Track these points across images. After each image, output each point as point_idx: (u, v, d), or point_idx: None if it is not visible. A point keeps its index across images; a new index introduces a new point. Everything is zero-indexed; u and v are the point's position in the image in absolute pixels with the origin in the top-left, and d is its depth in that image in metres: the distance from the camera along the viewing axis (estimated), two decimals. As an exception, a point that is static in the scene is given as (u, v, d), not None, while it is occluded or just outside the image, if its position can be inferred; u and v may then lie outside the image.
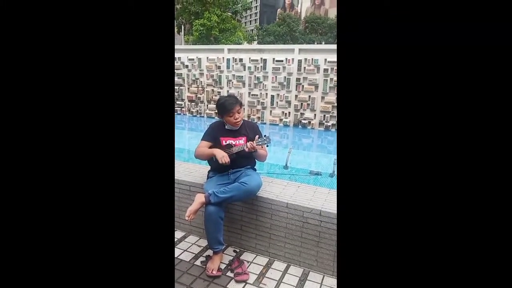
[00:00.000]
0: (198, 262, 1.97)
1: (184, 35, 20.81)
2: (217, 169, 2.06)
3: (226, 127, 2.05)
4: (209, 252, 1.95)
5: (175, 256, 2.03)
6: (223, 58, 6.96)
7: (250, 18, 60.31)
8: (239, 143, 2.00)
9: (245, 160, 2.00)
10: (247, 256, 2.06)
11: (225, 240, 2.02)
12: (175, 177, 2.26)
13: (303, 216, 1.90)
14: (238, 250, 2.12)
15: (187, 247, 2.14)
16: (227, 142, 2.02)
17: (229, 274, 1.87)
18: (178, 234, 2.30)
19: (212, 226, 1.84)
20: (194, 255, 2.06)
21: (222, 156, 1.91)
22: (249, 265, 1.97)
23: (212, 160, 2.08)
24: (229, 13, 17.78)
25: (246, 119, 2.13)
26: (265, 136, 1.96)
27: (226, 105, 1.96)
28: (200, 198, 1.84)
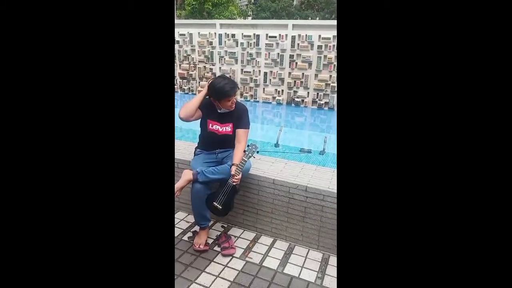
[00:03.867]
0: (185, 238, 2.01)
1: (176, 10, 20.12)
2: (204, 146, 2.05)
3: (219, 111, 1.92)
4: (197, 227, 1.97)
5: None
6: (215, 33, 6.76)
7: (245, -8, 58.23)
8: (226, 130, 1.96)
9: (233, 143, 1.98)
10: (235, 231, 2.10)
11: (212, 216, 2.05)
12: (163, 154, 2.25)
13: (289, 192, 1.92)
14: (226, 226, 2.16)
15: (175, 223, 2.17)
16: (213, 127, 1.96)
17: (216, 248, 1.91)
18: (166, 210, 2.32)
19: (198, 203, 1.85)
20: (182, 230, 2.09)
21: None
22: (236, 239, 2.01)
23: (201, 136, 2.06)
24: None
25: (239, 97, 2.02)
26: (249, 146, 1.88)
27: (226, 90, 1.81)
28: (187, 175, 1.83)
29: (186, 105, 1.90)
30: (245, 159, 1.81)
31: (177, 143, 2.53)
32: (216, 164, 1.94)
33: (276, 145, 3.83)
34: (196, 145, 2.12)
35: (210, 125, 1.97)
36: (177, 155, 2.24)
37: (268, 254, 1.89)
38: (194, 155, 2.09)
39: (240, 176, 1.79)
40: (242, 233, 2.09)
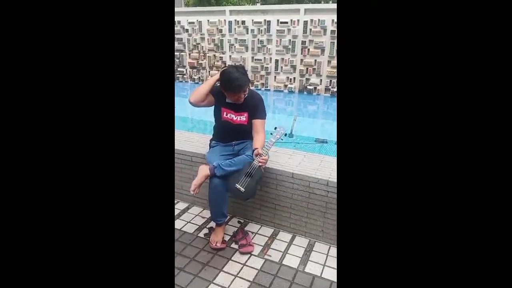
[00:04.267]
0: (201, 234, 1.94)
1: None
2: (220, 137, 1.95)
3: (227, 100, 1.84)
4: (213, 223, 1.90)
5: (179, 228, 1.99)
6: (225, 20, 6.58)
7: (253, -23, 57.05)
8: (241, 119, 1.85)
9: (249, 134, 1.88)
10: (252, 227, 2.02)
11: (229, 211, 1.97)
12: (176, 147, 2.17)
13: (309, 186, 1.82)
14: (242, 221, 2.08)
15: (190, 218, 2.10)
16: (228, 116, 1.86)
17: (234, 245, 1.83)
18: (181, 205, 2.26)
19: (217, 199, 1.77)
20: (198, 226, 2.02)
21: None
22: (254, 236, 1.93)
23: (215, 127, 1.96)
24: None
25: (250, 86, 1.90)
26: (276, 128, 1.77)
27: (233, 87, 1.69)
28: (204, 171, 1.75)
29: (196, 89, 1.83)
30: (273, 140, 1.73)
31: (189, 135, 2.44)
32: (233, 157, 1.84)
33: (290, 135, 3.71)
34: (211, 137, 2.03)
35: (225, 113, 1.87)
36: (191, 148, 2.16)
37: (288, 252, 1.80)
38: (210, 148, 2.00)
39: (267, 157, 1.70)
40: (260, 229, 2.01)
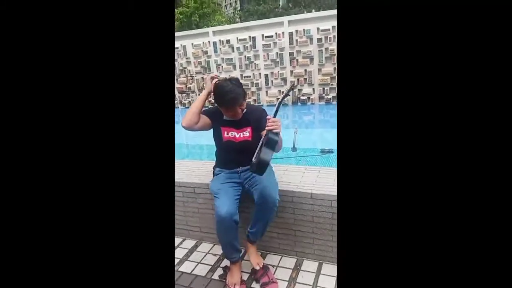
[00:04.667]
0: (216, 276, 1.69)
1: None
2: (223, 162, 1.74)
3: (224, 117, 1.68)
4: (227, 261, 1.66)
5: (189, 271, 1.74)
6: (209, 42, 6.51)
7: (230, 0, 58.52)
8: (244, 135, 1.67)
9: (254, 152, 1.67)
10: (271, 259, 1.79)
11: (242, 243, 1.74)
12: (177, 179, 1.95)
13: (332, 206, 1.61)
14: (259, 253, 1.84)
15: (200, 258, 1.86)
16: (229, 134, 1.68)
17: (255, 285, 1.59)
18: (188, 244, 2.01)
19: (225, 234, 1.55)
20: (210, 267, 1.78)
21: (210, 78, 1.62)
22: (275, 270, 1.70)
23: (217, 152, 1.77)
24: None
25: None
26: (288, 88, 1.53)
27: (226, 100, 1.54)
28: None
29: (187, 111, 1.63)
30: (282, 96, 1.49)
31: (189, 164, 2.23)
32: (238, 186, 1.64)
33: (293, 149, 3.50)
34: (214, 164, 1.82)
35: (225, 132, 1.67)
36: (193, 179, 1.94)
37: (318, 284, 1.57)
38: (213, 176, 1.79)
39: (279, 122, 1.39)
40: (280, 260, 1.78)
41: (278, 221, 1.74)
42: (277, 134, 1.37)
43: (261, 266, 1.62)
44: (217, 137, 1.71)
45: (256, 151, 1.43)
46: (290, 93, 1.40)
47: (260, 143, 1.43)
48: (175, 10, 15.90)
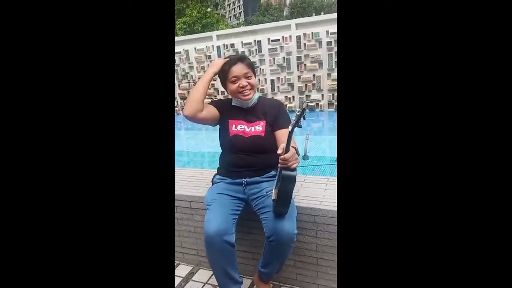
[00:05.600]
0: (216, 317, 1.32)
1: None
2: (227, 168, 1.39)
3: (232, 103, 1.39)
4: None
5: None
6: (213, 46, 6.26)
7: (234, 11, 59.28)
8: (256, 130, 1.33)
9: (266, 160, 1.32)
10: (286, 294, 1.41)
11: (249, 271, 1.38)
12: (169, 191, 1.60)
13: (366, 227, 1.24)
14: (272, 285, 1.47)
15: (197, 290, 1.49)
16: (238, 128, 1.35)
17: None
18: (183, 270, 1.64)
19: (216, 258, 1.19)
20: (210, 303, 1.41)
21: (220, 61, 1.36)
22: (293, 309, 1.32)
23: (222, 154, 1.44)
24: (209, 8, 17.07)
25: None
26: (299, 109, 0.99)
27: (240, 56, 1.36)
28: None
29: (189, 95, 1.36)
30: (294, 121, 0.99)
31: (188, 172, 1.88)
32: (240, 203, 1.30)
33: (305, 157, 3.16)
34: (216, 171, 1.47)
35: (233, 126, 1.35)
36: (189, 190, 1.59)
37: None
38: (212, 184, 1.43)
39: (293, 157, 1.04)
40: (298, 295, 1.40)
41: (297, 245, 1.37)
42: (292, 169, 1.06)
43: None
44: (223, 133, 1.39)
45: (273, 188, 1.18)
46: (301, 119, 0.98)
47: (276, 178, 1.16)
48: (178, 19, 15.90)
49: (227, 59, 1.35)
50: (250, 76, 1.32)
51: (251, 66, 1.33)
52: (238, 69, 1.29)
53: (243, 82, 1.30)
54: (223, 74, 1.34)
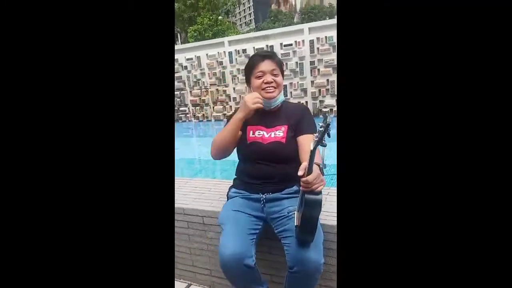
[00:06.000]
0: None
1: (181, 44, 20.41)
2: (243, 182, 1.26)
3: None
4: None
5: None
6: (224, 52, 6.20)
7: (245, 19, 59.91)
8: (277, 135, 1.20)
9: (287, 171, 1.17)
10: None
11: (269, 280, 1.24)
12: (180, 205, 1.48)
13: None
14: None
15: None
16: (256, 134, 1.22)
17: None
18: (194, 291, 1.51)
19: (238, 282, 1.08)
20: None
21: (254, 98, 1.17)
22: None
23: (238, 167, 1.31)
24: (220, 16, 17.20)
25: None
26: (322, 124, 0.86)
27: (251, 58, 1.25)
28: None
29: (217, 136, 1.24)
30: (316, 138, 0.85)
31: (199, 183, 1.75)
32: (259, 221, 1.17)
33: (323, 165, 3.02)
34: (232, 183, 1.34)
35: (251, 132, 1.23)
36: (201, 204, 1.46)
37: None
38: (227, 200, 1.30)
39: (317, 179, 0.90)
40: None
41: (325, 268, 1.21)
42: (317, 193, 0.91)
43: None
44: (241, 141, 1.25)
45: (296, 211, 1.04)
46: (325, 136, 0.85)
47: (299, 200, 1.00)
48: (190, 27, 16.06)
49: (259, 98, 1.17)
50: (277, 74, 1.20)
51: (280, 65, 1.22)
52: (266, 65, 1.18)
53: (269, 78, 1.18)
54: (249, 68, 1.23)
